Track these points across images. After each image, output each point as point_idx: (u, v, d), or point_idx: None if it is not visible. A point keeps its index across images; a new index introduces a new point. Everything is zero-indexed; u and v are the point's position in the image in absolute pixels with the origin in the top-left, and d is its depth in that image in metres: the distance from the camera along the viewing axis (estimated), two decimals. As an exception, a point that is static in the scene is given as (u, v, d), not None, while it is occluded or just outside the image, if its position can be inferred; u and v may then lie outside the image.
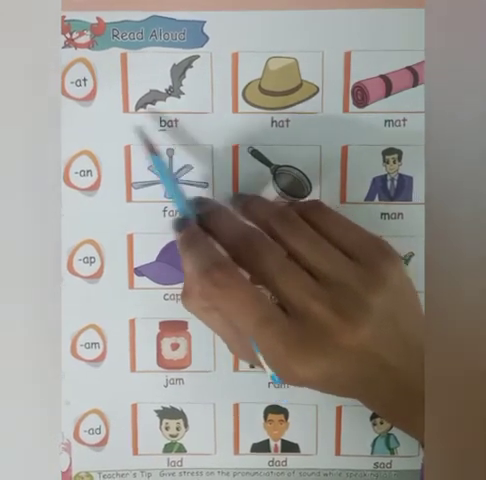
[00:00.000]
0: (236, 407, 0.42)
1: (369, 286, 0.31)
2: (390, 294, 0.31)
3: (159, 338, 0.41)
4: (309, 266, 0.32)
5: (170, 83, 0.38)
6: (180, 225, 0.35)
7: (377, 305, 0.30)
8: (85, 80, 0.38)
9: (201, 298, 0.33)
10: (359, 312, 0.30)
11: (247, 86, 0.38)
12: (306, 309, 0.30)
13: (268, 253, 0.32)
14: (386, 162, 0.39)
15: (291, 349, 0.30)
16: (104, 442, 0.42)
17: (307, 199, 0.39)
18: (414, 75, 0.38)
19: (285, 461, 0.43)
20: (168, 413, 0.42)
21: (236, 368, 0.42)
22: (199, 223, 0.35)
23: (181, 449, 0.43)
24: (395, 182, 0.39)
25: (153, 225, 0.40)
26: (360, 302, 0.30)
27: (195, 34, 0.38)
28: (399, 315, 0.31)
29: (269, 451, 0.42)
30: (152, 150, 0.38)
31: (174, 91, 0.38)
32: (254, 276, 0.33)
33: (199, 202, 0.37)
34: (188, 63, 0.38)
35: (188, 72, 0.38)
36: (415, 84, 0.38)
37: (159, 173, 0.39)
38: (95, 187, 0.39)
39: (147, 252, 0.40)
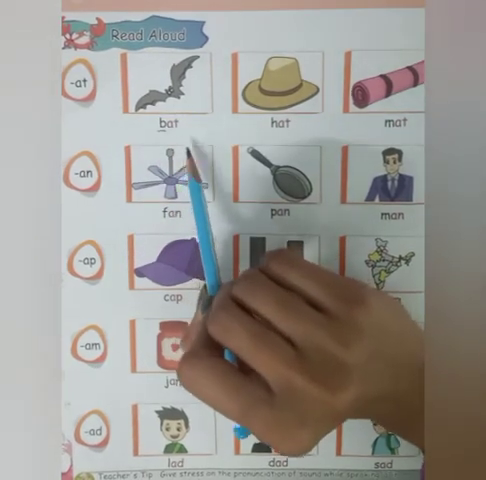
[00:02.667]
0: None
1: (343, 342, 0.30)
2: (367, 339, 0.30)
3: (159, 339, 0.41)
4: (283, 333, 0.30)
5: (170, 83, 0.38)
6: None
7: (356, 359, 0.30)
8: (85, 81, 0.38)
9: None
10: (339, 377, 0.30)
11: (247, 86, 0.38)
12: (289, 384, 0.29)
13: (238, 328, 0.31)
14: (386, 162, 0.39)
15: (281, 430, 0.29)
16: (105, 443, 0.42)
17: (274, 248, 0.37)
18: (414, 75, 0.38)
19: (286, 461, 0.43)
20: (169, 414, 0.42)
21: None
22: None
23: (182, 449, 0.43)
24: (395, 182, 0.39)
25: (153, 226, 0.40)
26: (338, 365, 0.30)
27: (195, 34, 0.38)
28: (385, 350, 0.31)
29: (270, 451, 0.42)
30: (195, 174, 0.37)
31: (174, 91, 0.38)
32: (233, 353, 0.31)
33: None
34: (188, 63, 0.38)
35: (188, 72, 0.38)
36: (415, 84, 0.38)
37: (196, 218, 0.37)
38: (95, 188, 0.39)
39: (147, 253, 0.40)
